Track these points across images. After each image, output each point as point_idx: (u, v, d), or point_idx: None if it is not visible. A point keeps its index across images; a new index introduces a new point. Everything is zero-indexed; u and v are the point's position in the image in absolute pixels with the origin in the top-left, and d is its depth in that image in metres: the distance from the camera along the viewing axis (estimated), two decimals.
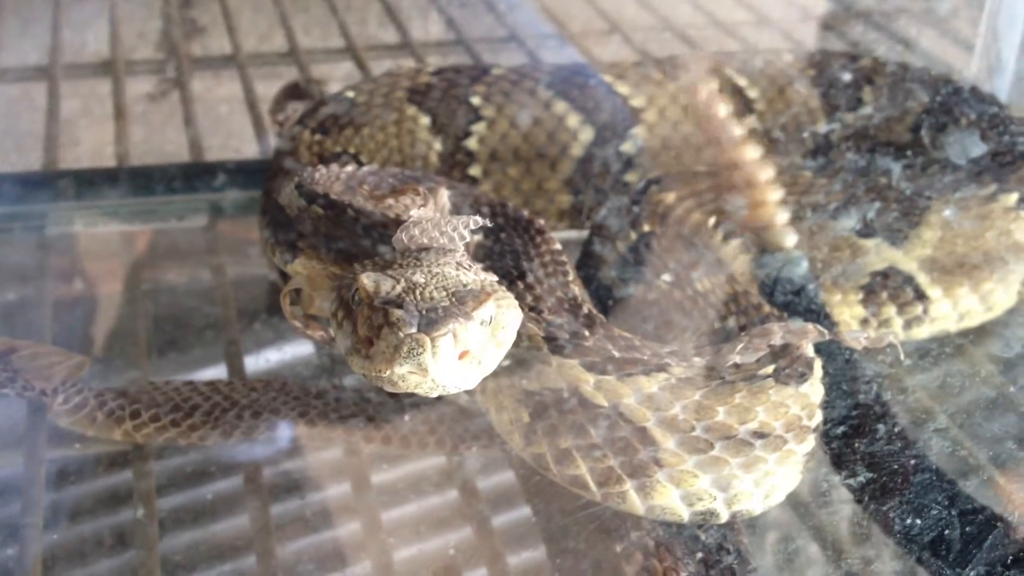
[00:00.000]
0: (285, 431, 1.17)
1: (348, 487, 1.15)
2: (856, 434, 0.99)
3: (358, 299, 0.87)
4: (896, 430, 0.99)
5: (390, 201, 1.07)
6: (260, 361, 1.37)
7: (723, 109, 1.00)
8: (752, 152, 1.01)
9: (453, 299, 0.85)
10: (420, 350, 0.81)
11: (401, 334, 0.82)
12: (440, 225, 0.95)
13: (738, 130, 1.00)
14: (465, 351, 0.83)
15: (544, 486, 1.06)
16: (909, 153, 1.36)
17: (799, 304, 1.11)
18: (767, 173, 1.02)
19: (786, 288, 1.10)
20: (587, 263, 1.25)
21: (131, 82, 2.06)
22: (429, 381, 0.83)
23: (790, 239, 1.07)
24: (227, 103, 2.37)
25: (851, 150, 1.48)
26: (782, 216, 1.05)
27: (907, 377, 1.19)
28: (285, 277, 1.31)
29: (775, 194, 1.03)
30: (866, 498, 0.96)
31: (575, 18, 2.33)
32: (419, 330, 0.82)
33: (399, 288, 0.86)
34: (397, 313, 0.83)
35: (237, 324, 1.36)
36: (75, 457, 1.18)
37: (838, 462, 0.98)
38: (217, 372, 1.30)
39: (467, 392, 1.02)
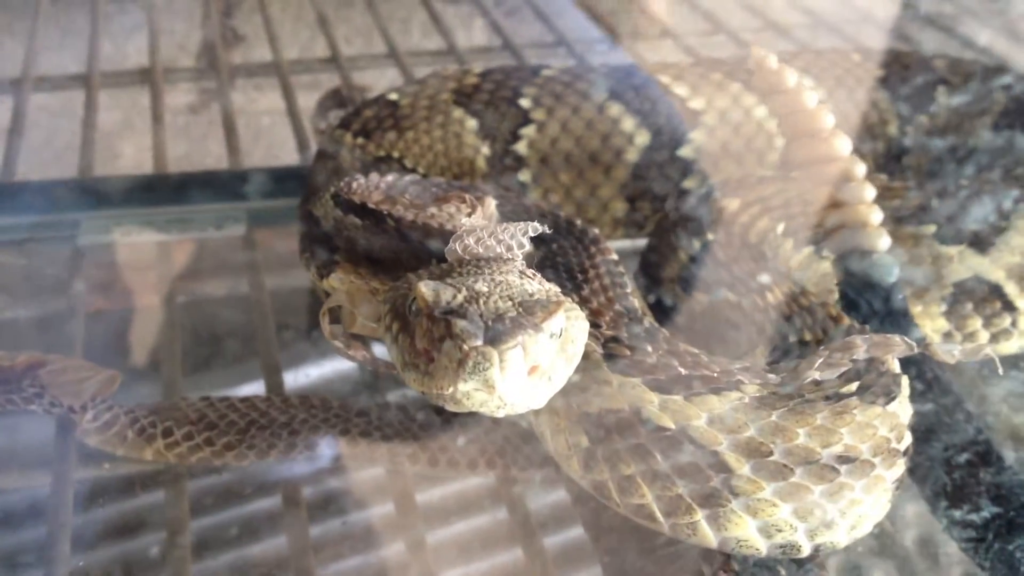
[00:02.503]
0: (325, 450, 1.10)
1: (391, 507, 1.08)
2: (981, 463, 0.90)
3: (416, 309, 0.80)
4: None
5: (433, 210, 1.00)
6: (299, 376, 1.31)
7: (813, 99, 0.91)
8: (845, 145, 0.92)
9: (520, 309, 0.78)
10: (486, 364, 0.74)
11: (465, 347, 0.75)
12: (496, 233, 0.88)
13: (831, 121, 0.92)
14: (535, 366, 0.76)
15: (601, 509, 1.00)
16: None
17: (887, 314, 1.02)
18: (862, 169, 0.93)
19: (876, 296, 1.01)
20: (646, 274, 1.17)
21: (173, 93, 2.02)
22: (495, 399, 0.75)
23: (884, 242, 0.98)
24: (269, 115, 2.34)
25: (924, 154, 1.40)
26: (877, 216, 0.96)
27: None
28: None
29: (870, 192, 0.94)
30: (989, 535, 0.86)
31: (624, 23, 2.26)
32: (485, 342, 0.75)
33: (461, 297, 0.79)
34: (460, 324, 0.76)
35: (276, 338, 1.30)
36: (105, 477, 1.12)
37: (959, 495, 0.89)
38: (254, 388, 1.25)
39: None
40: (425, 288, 0.79)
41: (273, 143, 2.37)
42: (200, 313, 1.45)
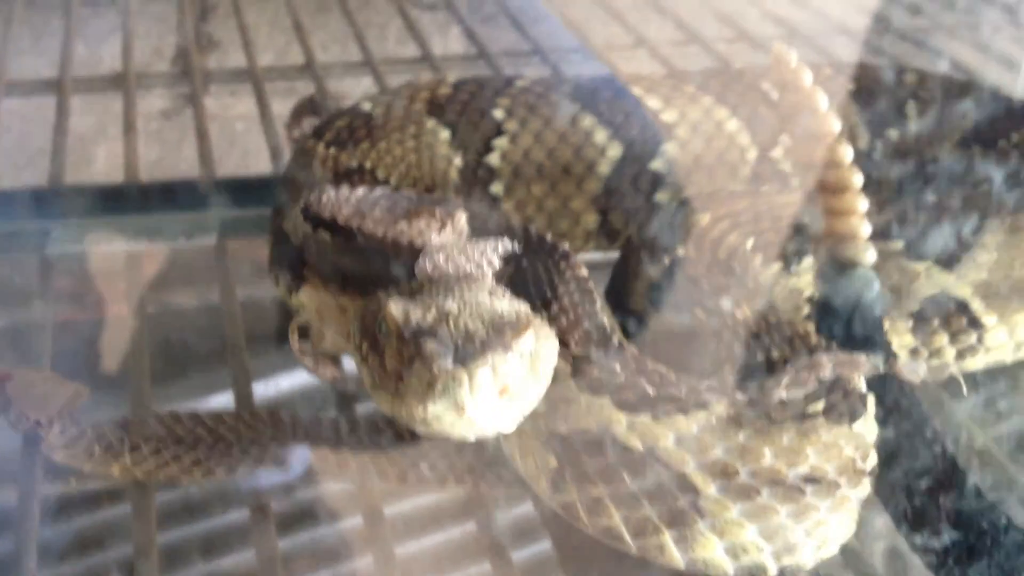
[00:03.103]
0: (294, 466, 1.09)
1: (360, 520, 1.07)
2: (941, 488, 0.90)
3: (385, 329, 0.80)
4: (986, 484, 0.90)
5: (403, 226, 1.00)
6: (270, 389, 1.30)
7: (825, 102, 0.91)
8: (848, 153, 0.92)
9: (490, 330, 0.78)
10: (456, 386, 0.74)
11: (435, 368, 0.74)
12: (465, 251, 0.88)
13: (837, 127, 0.92)
14: (505, 386, 0.76)
15: (568, 526, 1.00)
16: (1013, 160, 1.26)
17: (863, 330, 1.02)
18: (859, 179, 0.93)
19: (854, 309, 1.01)
20: (616, 289, 1.17)
21: (147, 98, 2.00)
22: (465, 421, 0.75)
23: (870, 255, 0.97)
24: (243, 120, 2.32)
25: (893, 169, 1.40)
26: (866, 229, 0.96)
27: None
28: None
29: (863, 203, 0.94)
30: (950, 561, 0.86)
31: (598, 33, 2.27)
32: (455, 363, 0.75)
33: (431, 317, 0.79)
34: (430, 345, 0.76)
35: (246, 350, 1.29)
36: (71, 494, 1.10)
37: (920, 519, 0.89)
38: (224, 400, 1.23)
39: None
40: (395, 308, 0.79)
41: (248, 150, 2.35)
42: (170, 324, 1.44)
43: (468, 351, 0.75)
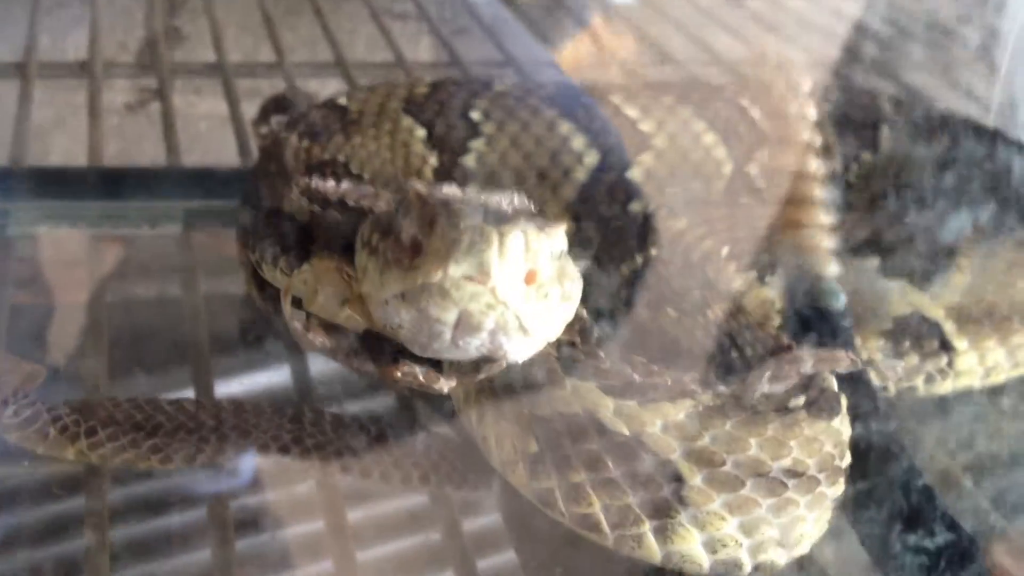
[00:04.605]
0: (255, 457, 1.06)
1: (321, 524, 1.04)
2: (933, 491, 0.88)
3: (407, 206, 0.71)
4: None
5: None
6: (232, 386, 1.26)
7: (813, 114, 0.91)
8: (817, 165, 0.92)
9: (523, 216, 0.70)
10: (484, 245, 0.65)
11: (462, 224, 0.66)
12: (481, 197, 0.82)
13: (814, 137, 0.91)
14: (534, 270, 0.68)
15: (533, 530, 0.98)
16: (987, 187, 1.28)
17: (833, 340, 1.02)
18: (825, 192, 0.93)
19: (822, 322, 1.01)
20: (588, 290, 1.16)
21: (108, 93, 1.96)
22: (488, 293, 0.66)
23: (833, 268, 0.98)
24: (207, 119, 2.29)
25: (866, 190, 1.41)
26: (830, 242, 0.95)
27: None
28: (261, 289, 1.21)
29: (827, 216, 0.94)
30: (942, 563, 0.85)
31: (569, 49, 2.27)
32: (485, 221, 0.66)
33: (459, 195, 0.72)
34: (458, 205, 0.68)
35: (208, 344, 1.25)
36: (23, 477, 1.06)
37: (915, 519, 0.87)
38: (183, 395, 1.19)
39: (458, 415, 0.91)
40: (419, 186, 0.73)
41: (209, 149, 2.32)
42: (130, 314, 1.40)
43: (500, 214, 0.68)
